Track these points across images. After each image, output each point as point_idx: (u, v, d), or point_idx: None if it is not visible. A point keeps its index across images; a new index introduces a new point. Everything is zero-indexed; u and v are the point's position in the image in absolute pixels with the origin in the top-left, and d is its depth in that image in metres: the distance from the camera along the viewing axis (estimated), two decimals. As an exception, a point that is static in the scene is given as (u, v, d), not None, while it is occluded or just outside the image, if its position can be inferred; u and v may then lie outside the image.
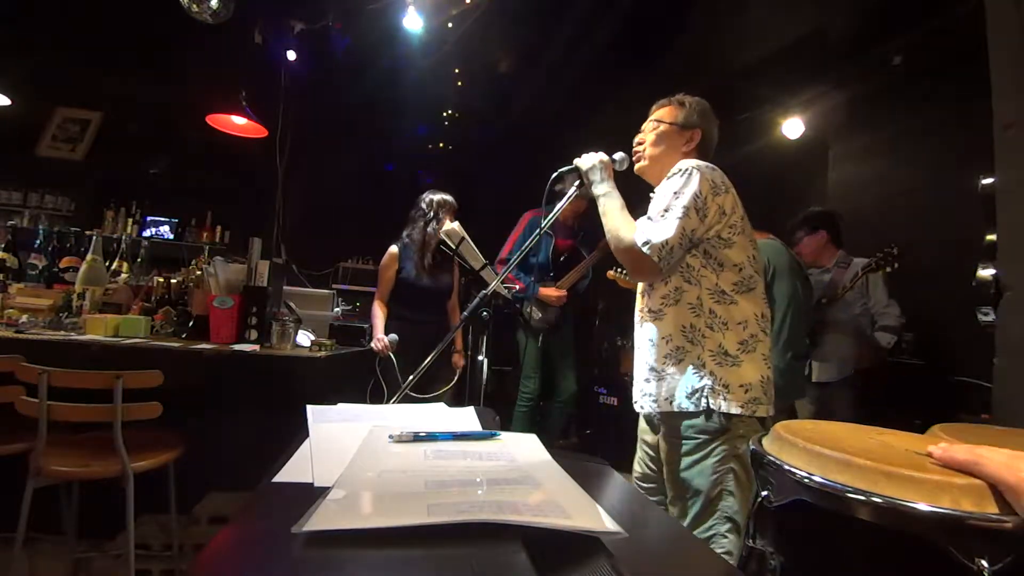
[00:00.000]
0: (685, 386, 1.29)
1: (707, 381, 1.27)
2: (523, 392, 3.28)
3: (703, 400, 1.26)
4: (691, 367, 1.29)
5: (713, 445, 1.26)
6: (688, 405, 1.28)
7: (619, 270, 2.89)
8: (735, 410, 1.24)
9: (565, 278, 3.22)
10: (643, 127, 1.53)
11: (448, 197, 2.72)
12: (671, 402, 1.31)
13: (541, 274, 3.23)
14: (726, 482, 1.24)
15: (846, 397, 2.61)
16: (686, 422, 1.30)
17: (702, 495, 1.24)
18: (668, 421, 1.35)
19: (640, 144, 1.51)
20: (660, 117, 1.49)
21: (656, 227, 1.28)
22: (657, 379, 1.34)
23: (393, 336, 2.54)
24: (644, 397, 1.38)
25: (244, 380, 1.95)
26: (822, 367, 2.65)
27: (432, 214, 2.66)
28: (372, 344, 2.55)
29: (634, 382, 1.44)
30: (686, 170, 1.30)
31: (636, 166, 1.51)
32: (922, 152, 2.99)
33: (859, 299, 2.63)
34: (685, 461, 1.29)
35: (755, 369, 1.29)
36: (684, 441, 1.30)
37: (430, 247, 2.64)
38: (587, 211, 3.23)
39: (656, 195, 1.36)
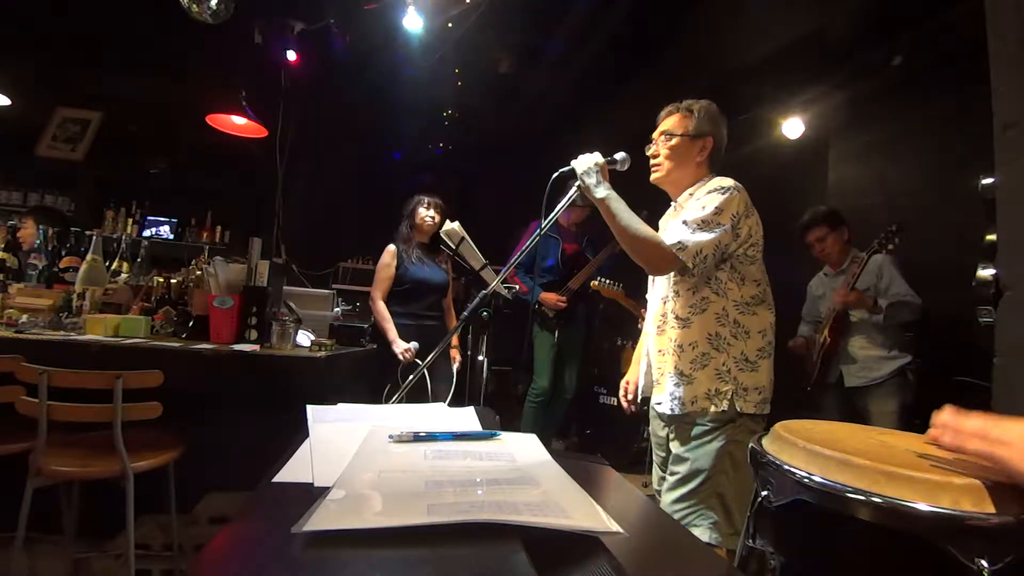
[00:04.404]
0: (709, 389, 1.43)
1: (731, 386, 1.42)
2: (533, 389, 3.29)
3: (724, 401, 1.41)
4: (715, 372, 1.43)
5: (719, 432, 1.41)
6: (708, 405, 1.42)
7: (603, 280, 2.91)
8: (750, 410, 1.41)
9: (574, 278, 3.25)
10: (653, 137, 1.57)
11: (426, 197, 2.86)
12: (695, 403, 1.44)
13: (551, 277, 3.25)
14: (724, 464, 1.39)
15: (879, 401, 2.45)
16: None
17: (703, 473, 1.40)
18: (685, 418, 1.47)
19: (655, 157, 1.56)
20: (670, 129, 1.54)
21: (695, 234, 1.38)
22: (687, 383, 1.45)
23: (415, 343, 2.58)
24: (673, 400, 1.47)
25: (244, 380, 1.94)
26: (850, 372, 2.52)
27: (410, 208, 2.84)
28: (397, 352, 2.59)
29: (644, 380, 1.59)
30: (728, 188, 1.42)
31: (652, 176, 1.58)
32: (922, 152, 2.98)
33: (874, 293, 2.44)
34: (693, 443, 1.44)
35: (768, 373, 1.46)
36: (696, 426, 1.44)
37: (413, 240, 2.81)
38: (590, 215, 3.26)
39: (694, 204, 1.44)
